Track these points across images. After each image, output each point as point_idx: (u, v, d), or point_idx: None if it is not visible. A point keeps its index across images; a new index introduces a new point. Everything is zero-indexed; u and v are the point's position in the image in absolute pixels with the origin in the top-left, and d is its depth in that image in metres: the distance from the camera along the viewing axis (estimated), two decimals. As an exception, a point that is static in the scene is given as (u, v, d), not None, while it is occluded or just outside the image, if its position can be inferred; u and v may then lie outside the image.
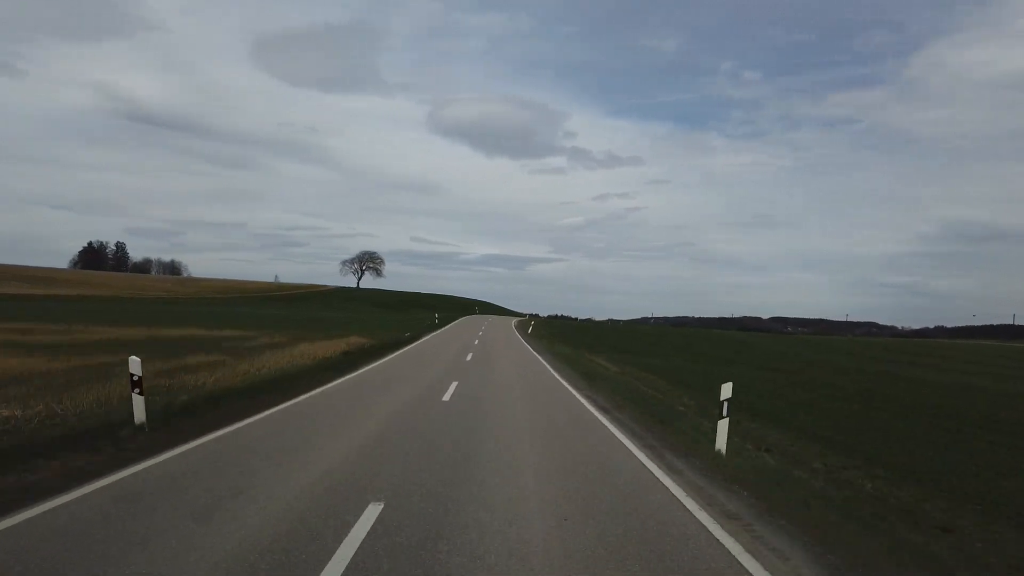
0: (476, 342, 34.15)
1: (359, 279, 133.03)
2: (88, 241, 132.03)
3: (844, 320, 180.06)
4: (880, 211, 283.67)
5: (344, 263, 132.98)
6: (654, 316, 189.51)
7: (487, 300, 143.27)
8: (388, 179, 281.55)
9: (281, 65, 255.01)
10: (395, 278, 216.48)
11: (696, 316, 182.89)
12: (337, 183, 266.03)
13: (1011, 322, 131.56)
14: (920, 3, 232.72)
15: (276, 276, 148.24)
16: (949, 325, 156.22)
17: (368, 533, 4.81)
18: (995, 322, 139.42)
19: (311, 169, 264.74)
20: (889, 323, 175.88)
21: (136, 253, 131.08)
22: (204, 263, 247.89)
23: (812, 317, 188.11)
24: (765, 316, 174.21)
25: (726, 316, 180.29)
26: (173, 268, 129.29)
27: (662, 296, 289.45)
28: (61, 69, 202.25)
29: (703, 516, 5.74)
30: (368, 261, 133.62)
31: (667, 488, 6.69)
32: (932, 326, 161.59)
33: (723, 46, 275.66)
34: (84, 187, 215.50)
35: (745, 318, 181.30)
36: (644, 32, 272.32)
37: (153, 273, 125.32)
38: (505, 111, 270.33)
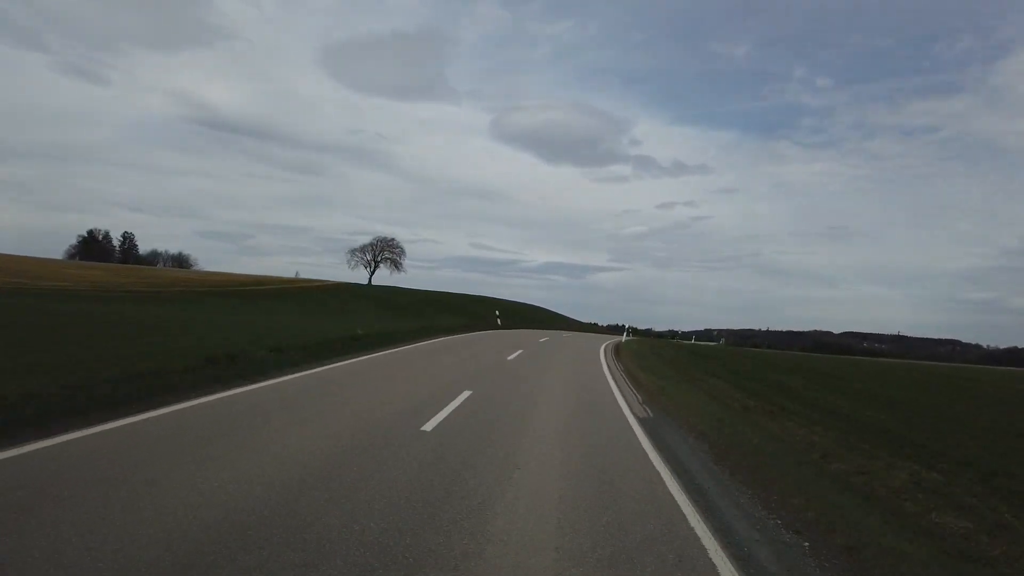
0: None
1: (372, 272, 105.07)
2: (88, 230, 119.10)
3: (924, 337, 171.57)
4: (962, 224, 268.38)
5: (353, 252, 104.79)
6: (718, 329, 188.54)
7: (541, 305, 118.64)
8: (452, 186, 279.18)
9: (352, 73, 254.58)
10: (430, 278, 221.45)
11: (762, 329, 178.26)
12: (402, 189, 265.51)
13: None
14: (1008, 7, 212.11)
15: (297, 272, 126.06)
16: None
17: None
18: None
19: (377, 175, 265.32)
20: (973, 340, 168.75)
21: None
22: (267, 265, 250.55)
23: (888, 333, 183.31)
24: (836, 331, 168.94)
25: (794, 330, 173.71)
26: (181, 261, 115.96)
27: (726, 308, 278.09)
28: (144, 77, 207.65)
29: None
30: (385, 249, 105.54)
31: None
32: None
33: (796, 52, 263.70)
34: (161, 191, 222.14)
35: (815, 332, 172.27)
36: (714, 38, 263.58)
37: (161, 266, 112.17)
38: (570, 118, 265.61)
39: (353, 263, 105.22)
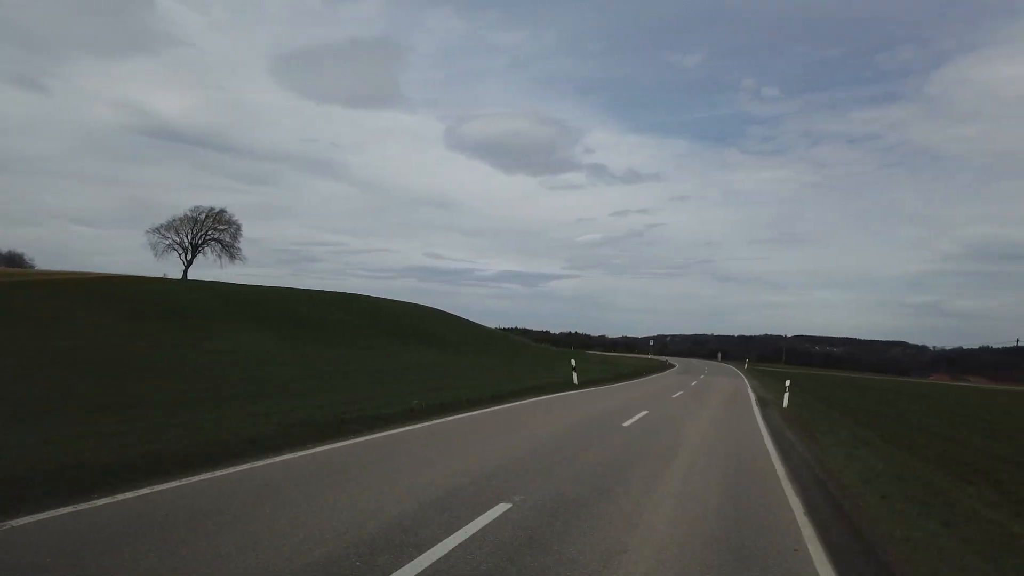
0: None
1: (188, 261, 70.15)
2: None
3: (873, 340, 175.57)
4: (905, 229, 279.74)
5: (158, 231, 67.97)
6: (671, 335, 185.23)
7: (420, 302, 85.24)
8: (406, 195, 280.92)
9: (305, 81, 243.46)
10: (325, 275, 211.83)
11: (714, 334, 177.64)
12: (355, 198, 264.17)
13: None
14: (946, 19, 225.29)
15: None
16: (968, 345, 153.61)
17: None
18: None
19: (330, 185, 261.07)
20: (920, 342, 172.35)
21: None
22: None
23: (838, 336, 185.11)
24: (788, 335, 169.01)
25: (746, 334, 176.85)
26: (12, 260, 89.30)
27: (680, 314, 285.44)
28: (86, 85, 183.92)
29: None
30: (211, 227, 70.33)
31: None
32: (976, 346, 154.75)
33: (745, 63, 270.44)
34: (106, 202, 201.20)
35: (767, 336, 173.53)
36: (667, 49, 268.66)
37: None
38: (525, 127, 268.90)
39: (161, 248, 68.55)
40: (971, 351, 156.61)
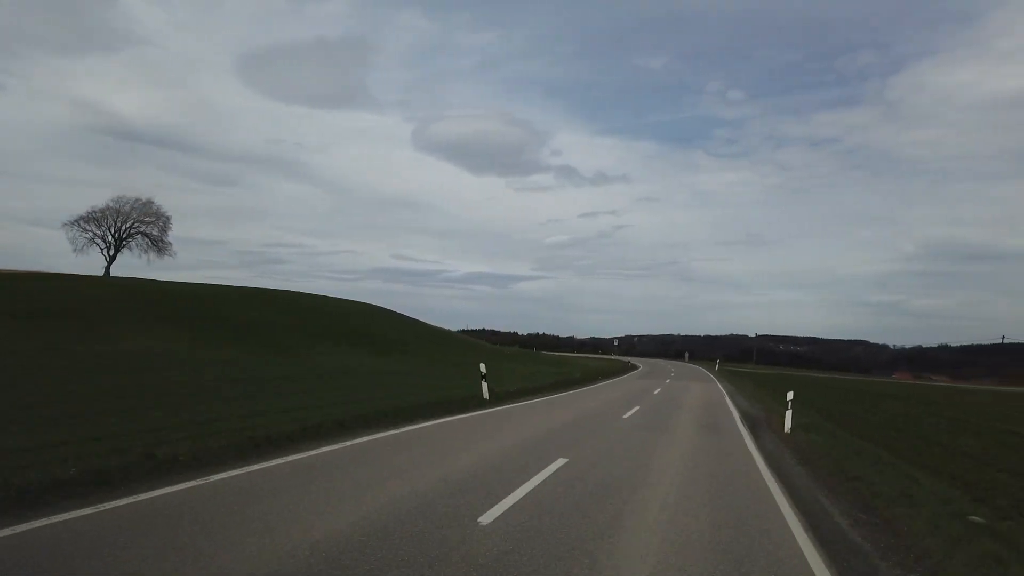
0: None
1: (111, 257, 62.20)
2: None
3: (836, 339, 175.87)
4: (865, 230, 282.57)
5: (77, 223, 59.54)
6: (638, 336, 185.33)
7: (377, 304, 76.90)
8: (374, 196, 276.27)
9: (271, 81, 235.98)
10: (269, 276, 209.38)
11: (681, 335, 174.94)
12: (322, 199, 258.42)
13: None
14: (904, 24, 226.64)
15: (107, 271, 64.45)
16: (927, 344, 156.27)
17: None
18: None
19: (297, 186, 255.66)
20: (881, 341, 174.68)
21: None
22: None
23: (802, 336, 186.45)
24: (752, 335, 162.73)
25: (712, 334, 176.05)
26: None
27: (647, 315, 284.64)
28: (45, 83, 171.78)
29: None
30: (137, 219, 61.97)
31: None
32: (935, 344, 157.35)
33: (710, 66, 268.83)
34: (64, 204, 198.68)
35: (732, 336, 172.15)
36: (634, 52, 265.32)
37: None
38: (493, 128, 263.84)
39: (81, 242, 60.43)
40: (930, 349, 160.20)
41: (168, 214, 65.18)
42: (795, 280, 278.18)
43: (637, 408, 16.09)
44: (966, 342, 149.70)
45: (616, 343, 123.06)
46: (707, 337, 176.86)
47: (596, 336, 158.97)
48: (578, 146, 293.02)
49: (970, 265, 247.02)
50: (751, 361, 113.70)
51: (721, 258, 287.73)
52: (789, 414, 13.02)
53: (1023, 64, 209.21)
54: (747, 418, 15.59)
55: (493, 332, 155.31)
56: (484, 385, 15.11)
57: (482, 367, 15.79)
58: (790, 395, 13.37)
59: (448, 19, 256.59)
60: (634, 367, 57.45)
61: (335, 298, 74.16)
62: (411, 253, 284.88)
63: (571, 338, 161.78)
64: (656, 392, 23.03)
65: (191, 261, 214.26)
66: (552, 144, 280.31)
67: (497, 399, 15.06)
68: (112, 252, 62.54)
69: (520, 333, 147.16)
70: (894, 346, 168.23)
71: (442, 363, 40.89)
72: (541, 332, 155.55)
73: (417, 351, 50.80)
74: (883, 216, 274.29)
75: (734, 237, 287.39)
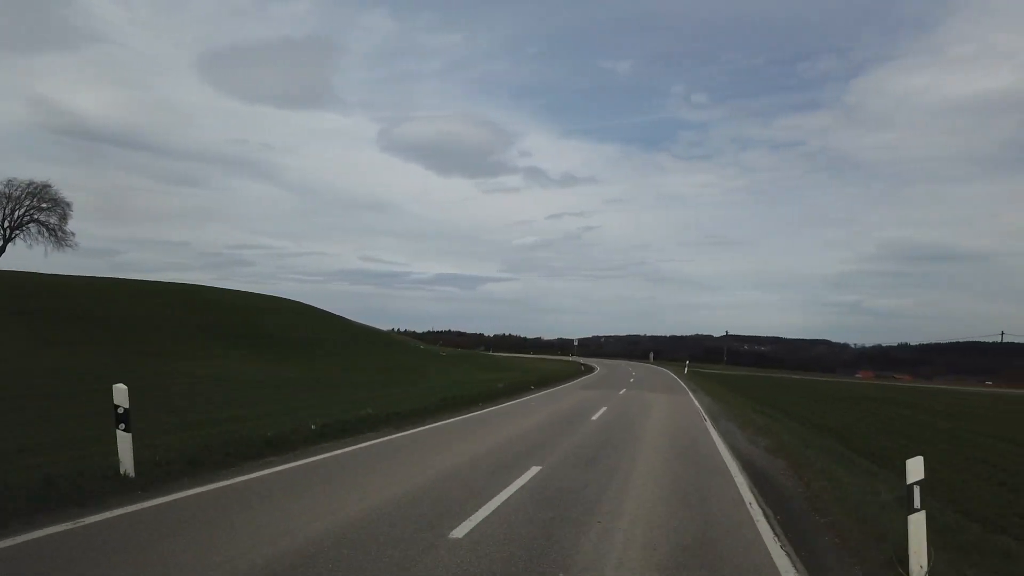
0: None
1: (3, 243, 54.80)
2: None
3: (799, 339, 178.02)
4: (828, 231, 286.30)
5: None
6: (605, 336, 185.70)
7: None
8: (340, 197, 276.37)
9: (235, 81, 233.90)
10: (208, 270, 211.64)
11: (648, 335, 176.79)
12: (288, 201, 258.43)
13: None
14: (863, 30, 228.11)
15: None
16: (887, 343, 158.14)
17: None
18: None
19: (262, 187, 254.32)
20: (842, 340, 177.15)
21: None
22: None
23: (766, 335, 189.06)
24: (717, 335, 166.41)
25: (678, 335, 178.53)
26: None
27: (615, 316, 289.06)
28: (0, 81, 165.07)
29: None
30: (32, 205, 55.13)
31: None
32: (894, 343, 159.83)
33: (674, 69, 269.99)
34: None
35: (698, 336, 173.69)
36: (600, 54, 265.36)
37: None
38: (460, 130, 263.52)
39: None
40: (890, 348, 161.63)
41: (69, 201, 57.53)
42: (759, 280, 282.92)
43: (536, 471, 9.01)
44: (924, 340, 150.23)
45: (576, 343, 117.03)
46: (673, 337, 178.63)
47: (564, 337, 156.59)
48: (546, 148, 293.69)
49: (928, 265, 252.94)
50: (719, 361, 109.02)
51: (687, 259, 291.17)
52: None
53: (976, 70, 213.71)
54: (756, 482, 8.64)
55: (459, 333, 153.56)
56: (124, 439, 6.75)
57: (120, 400, 6.79)
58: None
59: (414, 20, 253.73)
60: (589, 370, 50.94)
61: (265, 295, 66.98)
62: (378, 255, 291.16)
63: (539, 339, 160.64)
64: (595, 418, 16.08)
65: (154, 263, 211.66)
66: (520, 145, 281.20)
67: (189, 465, 7.39)
68: (3, 239, 54.42)
69: (487, 334, 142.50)
70: (855, 345, 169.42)
71: (363, 369, 35.62)
72: (508, 333, 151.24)
73: (333, 354, 43.44)
74: (844, 217, 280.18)
75: (699, 238, 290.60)
